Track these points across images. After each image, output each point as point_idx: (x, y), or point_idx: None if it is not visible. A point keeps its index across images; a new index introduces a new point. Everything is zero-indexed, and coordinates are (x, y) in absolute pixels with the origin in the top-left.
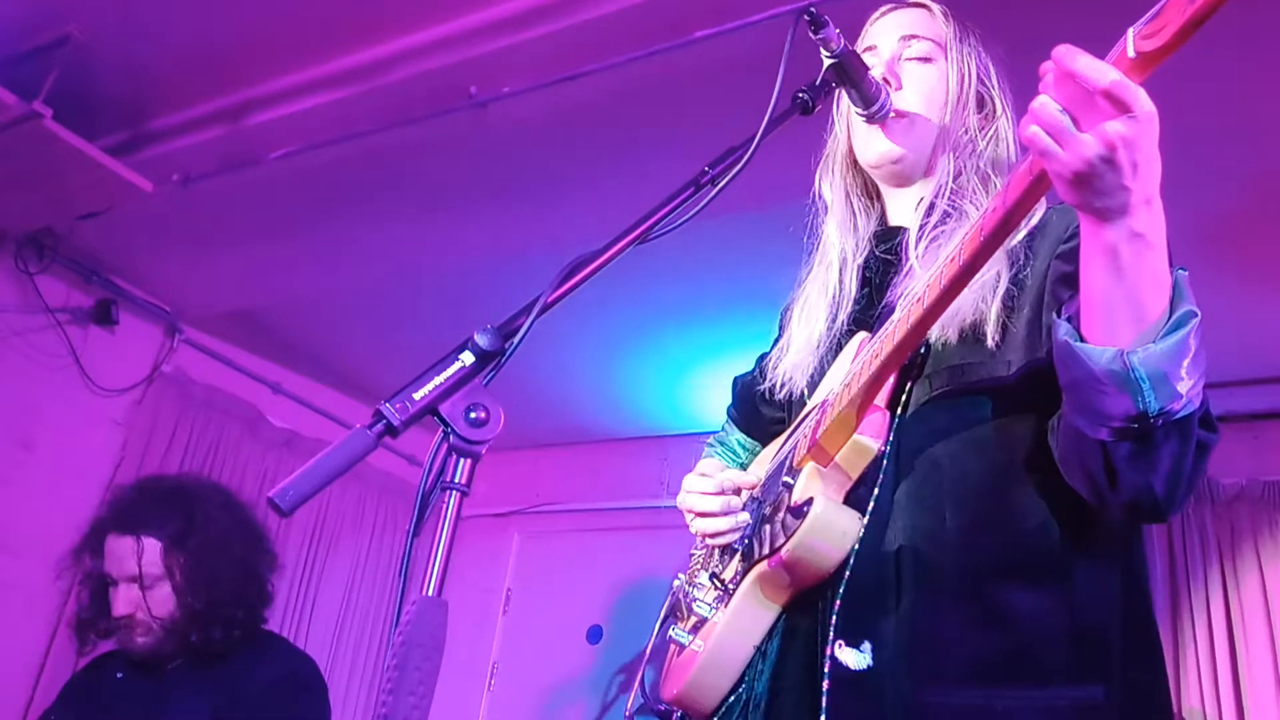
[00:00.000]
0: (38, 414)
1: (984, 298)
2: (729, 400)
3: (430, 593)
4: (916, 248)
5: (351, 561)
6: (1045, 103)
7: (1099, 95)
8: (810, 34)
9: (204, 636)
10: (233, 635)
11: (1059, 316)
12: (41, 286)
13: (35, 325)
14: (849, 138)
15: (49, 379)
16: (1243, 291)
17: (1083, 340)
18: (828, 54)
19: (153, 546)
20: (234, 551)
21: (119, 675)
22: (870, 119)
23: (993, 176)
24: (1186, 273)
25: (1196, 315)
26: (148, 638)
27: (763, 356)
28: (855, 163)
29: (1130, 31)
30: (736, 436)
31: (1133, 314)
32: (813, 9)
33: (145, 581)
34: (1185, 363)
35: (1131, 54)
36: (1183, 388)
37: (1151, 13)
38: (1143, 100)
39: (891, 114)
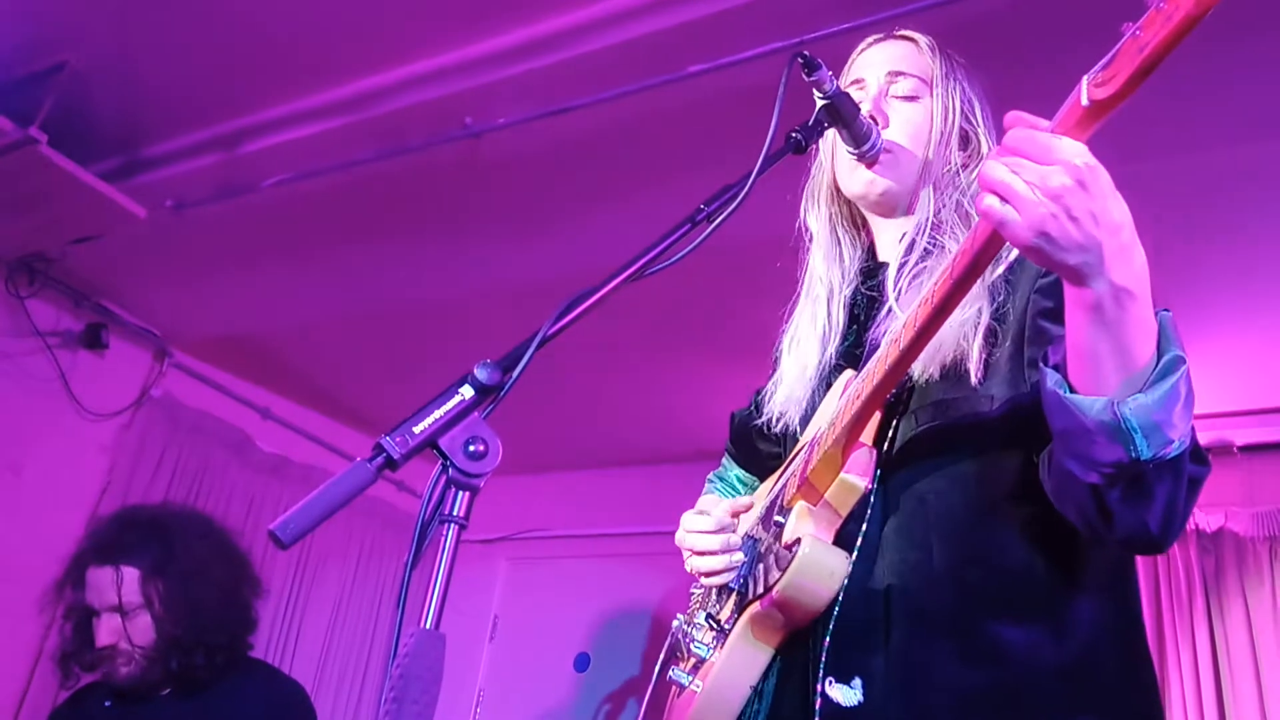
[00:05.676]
0: (25, 438)
1: (965, 334)
2: (727, 435)
3: (428, 625)
4: (896, 286)
5: (338, 586)
6: (991, 166)
7: (1036, 159)
8: (804, 76)
9: (185, 663)
10: (215, 662)
11: (1045, 364)
12: (31, 310)
13: (24, 349)
14: (833, 168)
15: (37, 403)
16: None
17: (1071, 389)
18: (820, 95)
19: (131, 575)
20: (214, 578)
21: (106, 704)
22: (861, 158)
23: (973, 214)
24: (1171, 314)
25: (1184, 361)
26: (130, 667)
27: (759, 392)
28: (840, 192)
29: (1085, 79)
30: (735, 472)
31: (1120, 363)
32: (805, 52)
33: (125, 610)
34: (1177, 409)
35: (1085, 102)
36: (1174, 433)
37: (1104, 60)
38: (1073, 150)
39: (882, 151)
